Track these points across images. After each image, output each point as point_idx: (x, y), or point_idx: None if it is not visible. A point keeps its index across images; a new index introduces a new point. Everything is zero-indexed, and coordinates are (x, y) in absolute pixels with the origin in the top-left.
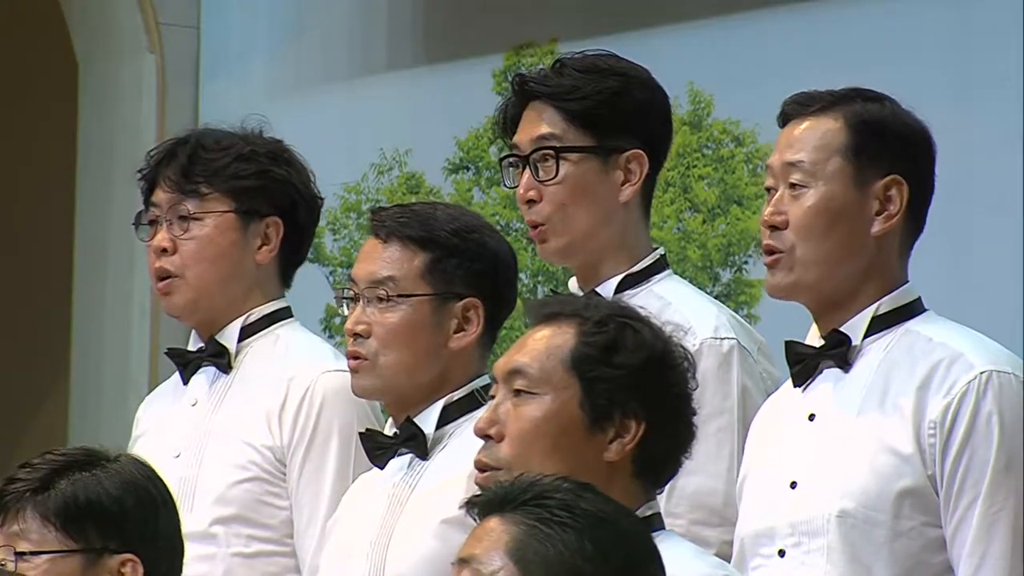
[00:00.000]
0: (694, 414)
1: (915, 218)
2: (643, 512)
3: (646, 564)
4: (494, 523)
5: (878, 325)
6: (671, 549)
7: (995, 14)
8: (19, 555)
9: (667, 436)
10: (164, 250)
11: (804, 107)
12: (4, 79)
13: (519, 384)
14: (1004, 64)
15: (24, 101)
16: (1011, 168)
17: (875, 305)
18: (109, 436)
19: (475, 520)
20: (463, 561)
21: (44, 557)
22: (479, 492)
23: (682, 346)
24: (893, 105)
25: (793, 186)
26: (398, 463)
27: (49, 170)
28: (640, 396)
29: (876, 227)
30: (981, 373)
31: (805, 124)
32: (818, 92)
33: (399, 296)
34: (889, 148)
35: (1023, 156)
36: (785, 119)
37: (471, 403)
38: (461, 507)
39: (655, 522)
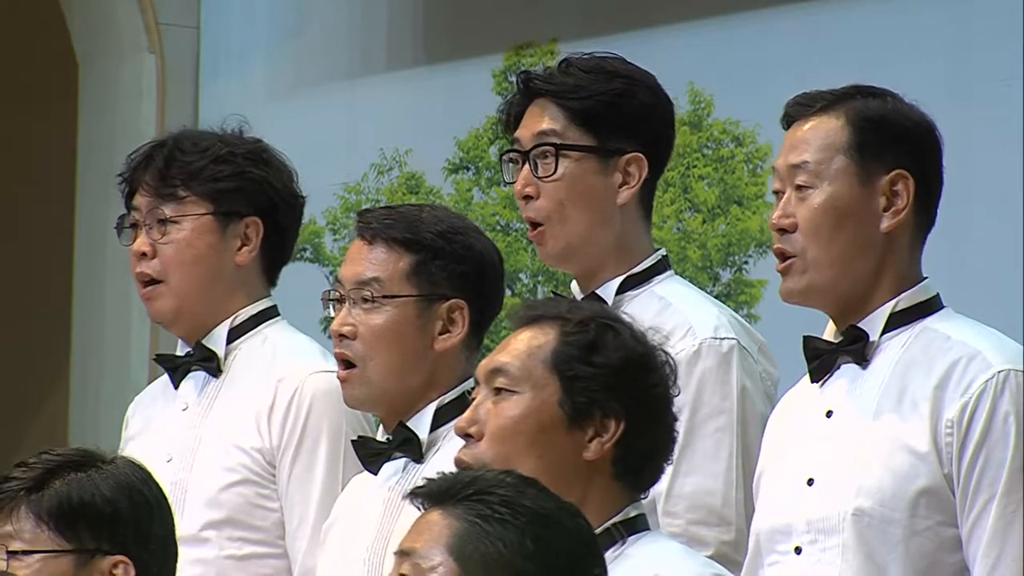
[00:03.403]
0: (675, 419)
1: (924, 212)
2: (627, 513)
3: (588, 565)
4: (436, 516)
5: (896, 322)
6: (659, 549)
7: (995, 14)
8: (11, 554)
9: (647, 437)
10: (144, 254)
11: (806, 108)
12: (4, 79)
13: (499, 382)
14: (1004, 64)
15: (24, 101)
16: (1011, 167)
17: (893, 302)
18: (109, 436)
19: (418, 509)
20: (403, 553)
21: (36, 556)
22: (424, 483)
23: (664, 351)
24: (895, 100)
25: (799, 188)
26: (392, 467)
27: (49, 170)
28: (620, 396)
29: (885, 223)
30: (999, 372)
31: (808, 125)
32: (819, 92)
33: (384, 297)
34: (892, 143)
35: (1023, 155)
36: (788, 121)
37: (462, 405)
38: (404, 498)
39: (640, 524)
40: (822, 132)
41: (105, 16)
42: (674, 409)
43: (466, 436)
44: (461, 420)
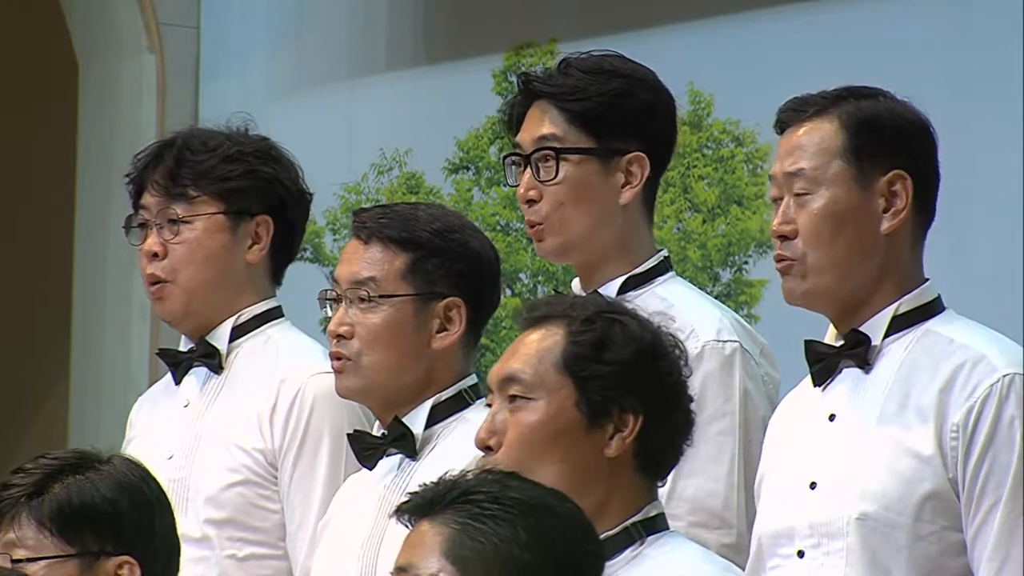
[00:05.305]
0: (691, 400)
1: (923, 210)
2: (647, 512)
3: (584, 545)
4: (425, 527)
5: (898, 325)
6: (678, 550)
7: (995, 14)
8: (15, 562)
9: (665, 425)
10: (155, 255)
11: (799, 113)
12: (4, 79)
13: (514, 390)
14: (1004, 63)
15: (24, 101)
16: (1012, 166)
17: (895, 305)
18: (109, 436)
19: (407, 527)
20: (401, 570)
21: (41, 563)
22: (408, 499)
23: (671, 334)
24: (888, 100)
25: (798, 195)
26: (387, 464)
27: (49, 170)
28: (635, 389)
29: (885, 224)
30: (1004, 376)
31: (802, 130)
32: (811, 96)
33: (381, 297)
34: (887, 144)
35: (1023, 155)
36: (782, 127)
37: (459, 403)
38: (391, 516)
39: (660, 523)
40: (817, 137)
41: (105, 16)
42: (689, 391)
43: (486, 448)
44: (480, 431)
